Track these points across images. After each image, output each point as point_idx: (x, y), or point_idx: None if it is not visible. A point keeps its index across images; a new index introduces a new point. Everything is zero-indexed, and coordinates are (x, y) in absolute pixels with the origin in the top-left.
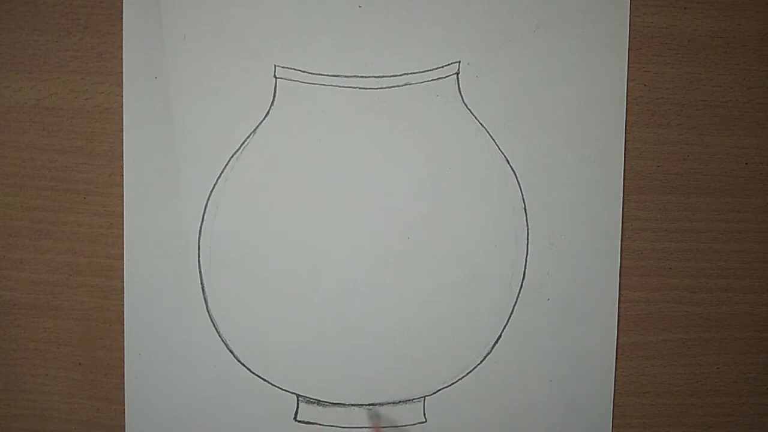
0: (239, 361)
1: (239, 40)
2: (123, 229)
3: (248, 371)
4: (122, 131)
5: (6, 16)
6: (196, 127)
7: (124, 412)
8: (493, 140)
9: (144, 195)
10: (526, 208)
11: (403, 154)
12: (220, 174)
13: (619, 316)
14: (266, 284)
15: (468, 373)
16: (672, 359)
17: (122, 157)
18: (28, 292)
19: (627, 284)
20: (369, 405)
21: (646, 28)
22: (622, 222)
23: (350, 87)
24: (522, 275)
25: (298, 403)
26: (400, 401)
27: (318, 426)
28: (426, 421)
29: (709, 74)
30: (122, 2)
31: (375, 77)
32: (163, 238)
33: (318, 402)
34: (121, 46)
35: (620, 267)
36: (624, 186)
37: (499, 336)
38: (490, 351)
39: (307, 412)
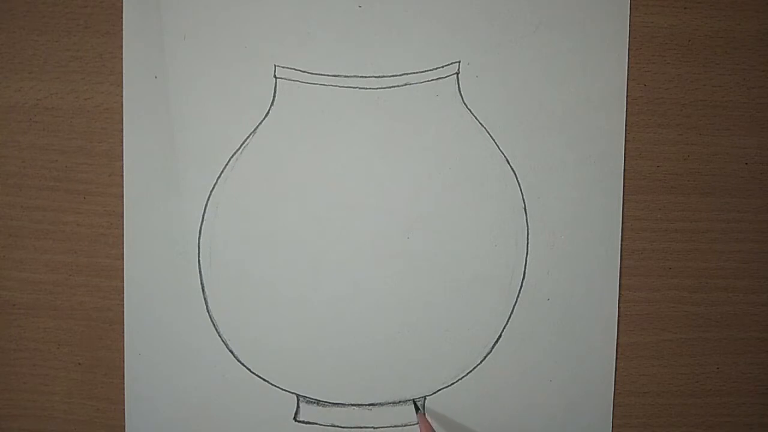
0: (239, 361)
1: (239, 40)
2: (123, 229)
3: (248, 371)
4: (122, 131)
5: (6, 16)
6: (196, 127)
7: (124, 412)
8: (493, 140)
9: (144, 195)
10: (526, 208)
11: (403, 154)
12: (220, 174)
13: (619, 316)
14: (266, 284)
15: (468, 373)
16: (672, 359)
17: (122, 157)
18: (28, 292)
19: (627, 284)
20: (369, 405)
21: (646, 28)
22: (622, 222)
23: (350, 87)
24: (522, 275)
25: (298, 403)
26: (400, 401)
27: (318, 426)
28: None
29: (709, 74)
30: (122, 2)
31: (375, 77)
32: (163, 238)
33: (318, 402)
34: (121, 46)
35: (620, 267)
36: (624, 186)
37: (499, 336)
38: (490, 351)
39: (307, 412)
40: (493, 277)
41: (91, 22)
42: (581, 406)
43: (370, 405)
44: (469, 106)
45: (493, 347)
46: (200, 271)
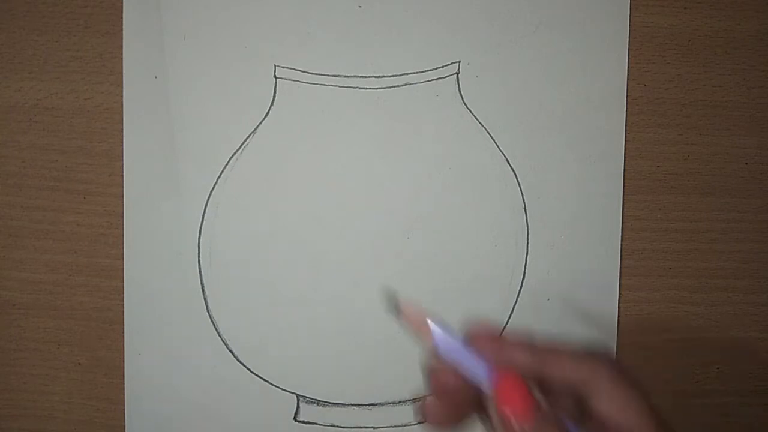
0: (239, 361)
1: (239, 40)
2: (123, 229)
3: (248, 371)
4: (122, 131)
5: (6, 16)
6: (196, 127)
7: (124, 412)
8: (493, 140)
9: (144, 195)
10: (526, 208)
11: (403, 154)
12: (220, 174)
13: (619, 316)
14: (266, 284)
15: None
16: (672, 359)
17: (122, 157)
18: (28, 292)
19: (627, 284)
20: (369, 405)
21: (646, 28)
22: (622, 222)
23: (350, 87)
24: (522, 275)
25: (298, 403)
26: (400, 401)
27: (318, 426)
28: (426, 421)
29: (709, 74)
30: (122, 2)
31: (375, 77)
32: (163, 238)
33: (318, 402)
34: (121, 46)
35: (620, 267)
36: (624, 186)
37: None
38: None
39: (307, 412)
40: (493, 277)
41: (91, 22)
42: None
43: (370, 405)
44: (469, 106)
45: None
46: (200, 271)
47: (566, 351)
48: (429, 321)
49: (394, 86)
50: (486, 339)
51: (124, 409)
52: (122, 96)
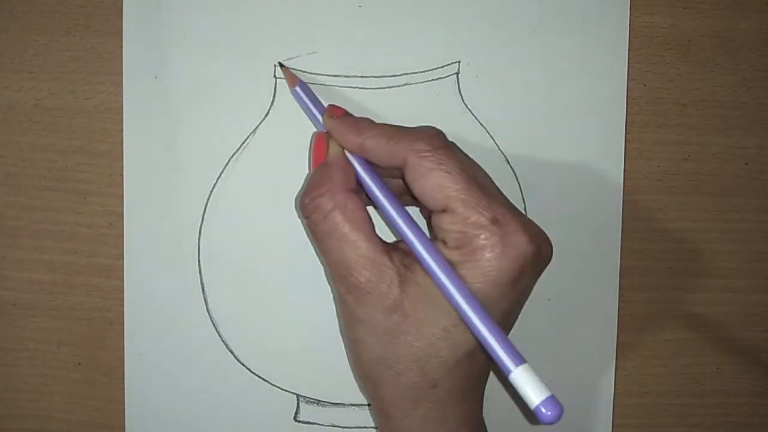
0: (239, 361)
1: (239, 40)
2: (123, 229)
3: (248, 371)
4: (122, 131)
5: (6, 16)
6: (196, 127)
7: (124, 412)
8: (493, 140)
9: (144, 195)
10: (526, 208)
11: None
12: (220, 174)
13: (619, 316)
14: (266, 284)
15: None
16: (672, 359)
17: (122, 157)
18: (28, 292)
19: (627, 284)
20: (369, 405)
21: (646, 28)
22: (622, 222)
23: (350, 87)
24: None
25: (298, 403)
26: None
27: (318, 426)
28: None
29: (709, 74)
30: (122, 2)
31: (375, 77)
32: (163, 238)
33: (318, 402)
34: (121, 46)
35: (620, 267)
36: (624, 186)
37: None
38: None
39: (307, 412)
40: None
41: (91, 22)
42: (581, 405)
43: (370, 405)
44: (469, 106)
45: None
46: (200, 271)
47: (386, 130)
48: (299, 82)
49: (394, 86)
50: (329, 113)
51: (124, 409)
52: (122, 96)
